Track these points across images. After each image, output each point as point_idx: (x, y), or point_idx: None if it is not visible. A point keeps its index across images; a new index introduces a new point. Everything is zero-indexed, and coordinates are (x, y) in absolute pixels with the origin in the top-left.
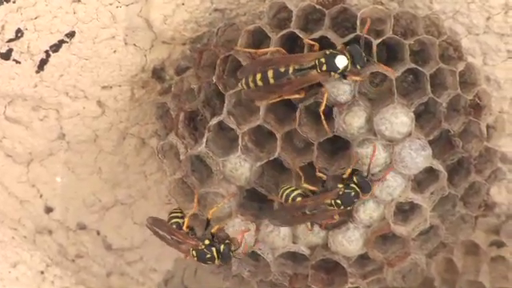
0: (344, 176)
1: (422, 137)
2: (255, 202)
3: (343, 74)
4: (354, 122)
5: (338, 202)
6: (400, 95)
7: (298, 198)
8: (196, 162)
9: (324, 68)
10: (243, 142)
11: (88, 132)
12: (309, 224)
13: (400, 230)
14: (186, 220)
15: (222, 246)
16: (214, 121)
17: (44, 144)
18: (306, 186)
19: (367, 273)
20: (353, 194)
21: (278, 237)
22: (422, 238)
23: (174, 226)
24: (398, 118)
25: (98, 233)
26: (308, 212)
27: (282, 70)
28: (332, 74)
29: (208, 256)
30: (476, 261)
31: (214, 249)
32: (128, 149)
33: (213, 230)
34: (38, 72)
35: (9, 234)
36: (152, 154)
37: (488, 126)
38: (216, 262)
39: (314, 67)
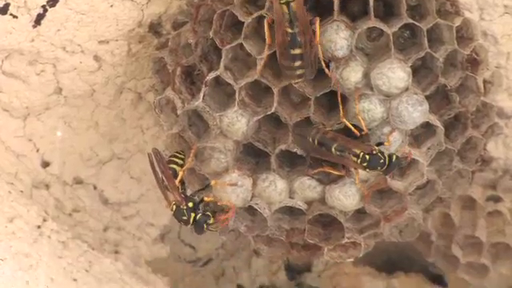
0: (384, 142)
1: (419, 92)
2: (252, 156)
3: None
4: (351, 76)
5: (366, 157)
6: (397, 50)
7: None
8: (193, 117)
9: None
10: (240, 97)
11: (85, 86)
12: (308, 169)
13: (397, 184)
14: (181, 173)
15: (199, 215)
16: (211, 75)
17: (41, 98)
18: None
19: (364, 227)
20: (382, 161)
21: (275, 191)
22: (418, 193)
23: (170, 172)
24: (395, 73)
25: (95, 187)
26: (332, 149)
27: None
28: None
29: (184, 218)
30: (473, 215)
31: (192, 214)
32: (125, 103)
33: (206, 199)
34: (35, 26)
35: (5, 189)
36: (149, 109)
37: (485, 81)
38: (189, 226)
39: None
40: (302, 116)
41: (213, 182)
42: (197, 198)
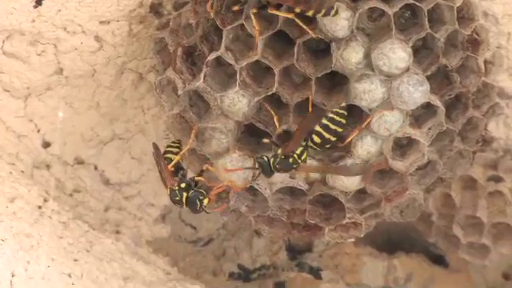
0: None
1: (420, 72)
2: (253, 137)
3: None
4: (351, 57)
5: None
6: (398, 31)
7: None
8: (194, 97)
9: None
10: (241, 77)
11: (86, 67)
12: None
13: (398, 165)
14: (177, 158)
15: (190, 192)
16: (212, 56)
17: (42, 79)
18: None
19: (365, 208)
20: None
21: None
22: (419, 173)
23: (166, 162)
24: (395, 53)
25: (96, 167)
26: None
27: None
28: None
29: (177, 198)
30: (474, 195)
31: (184, 193)
32: (126, 83)
33: (197, 178)
34: (35, 7)
35: (6, 169)
36: (150, 89)
37: (486, 61)
38: (184, 206)
39: None
40: (303, 96)
41: (205, 167)
42: (190, 180)
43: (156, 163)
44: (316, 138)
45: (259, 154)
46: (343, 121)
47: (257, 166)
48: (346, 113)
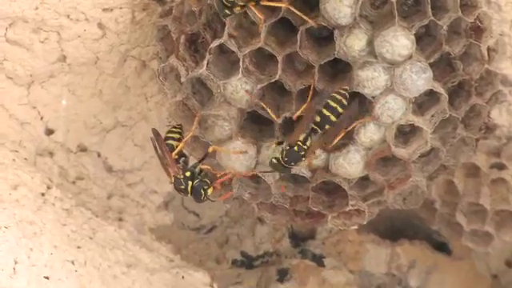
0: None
1: (423, 59)
2: (256, 124)
3: None
4: (355, 44)
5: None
6: (401, 18)
7: None
8: (197, 85)
9: None
10: (244, 65)
11: (89, 54)
12: None
13: (401, 152)
14: (180, 145)
15: (195, 182)
16: (215, 43)
17: (45, 66)
18: None
19: (368, 195)
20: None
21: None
22: (422, 161)
23: (168, 148)
24: (398, 41)
25: (99, 155)
26: None
27: None
28: None
29: (182, 187)
30: (477, 183)
31: (190, 182)
32: (129, 71)
33: (203, 167)
34: None
35: (9, 156)
36: (153, 76)
37: (489, 49)
38: (189, 195)
39: None
40: (306, 83)
41: (210, 149)
42: (194, 168)
43: (155, 149)
44: (317, 117)
45: (262, 141)
46: (344, 100)
47: (271, 170)
48: (347, 94)
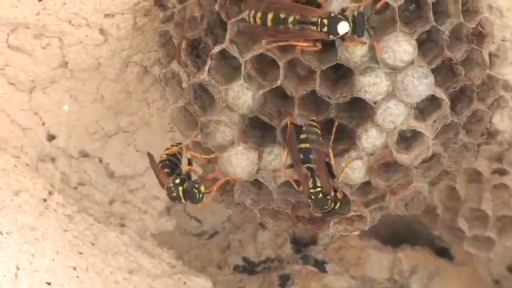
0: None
1: (425, 65)
2: (257, 129)
3: (341, 38)
4: (356, 50)
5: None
6: (403, 23)
7: None
8: (198, 90)
9: (325, 30)
10: (246, 70)
11: (90, 60)
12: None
13: (402, 158)
14: (173, 149)
15: (185, 184)
16: (217, 49)
17: (46, 72)
18: None
19: (369, 201)
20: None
21: (281, 165)
22: (424, 166)
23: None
24: (400, 46)
25: (101, 160)
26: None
27: (282, 16)
28: (330, 36)
29: (174, 194)
30: (478, 188)
31: (180, 188)
32: (130, 77)
33: (185, 170)
34: (40, 0)
35: (11, 162)
36: (154, 82)
37: (490, 54)
38: (183, 201)
39: (314, 24)
40: (307, 89)
41: (186, 169)
42: (181, 173)
43: (153, 169)
44: (300, 155)
45: (263, 146)
46: (317, 130)
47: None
48: (318, 124)
